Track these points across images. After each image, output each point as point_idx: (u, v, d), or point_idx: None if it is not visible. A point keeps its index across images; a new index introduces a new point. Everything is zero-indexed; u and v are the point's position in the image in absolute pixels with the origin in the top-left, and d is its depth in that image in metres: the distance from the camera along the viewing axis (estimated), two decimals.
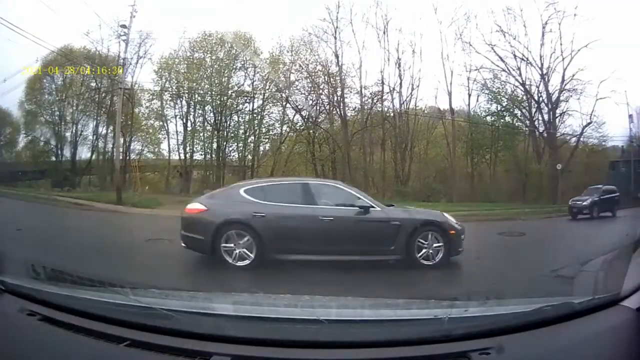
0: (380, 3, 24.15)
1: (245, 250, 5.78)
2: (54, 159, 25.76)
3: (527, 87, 23.12)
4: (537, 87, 22.94)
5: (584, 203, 15.56)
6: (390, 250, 5.95)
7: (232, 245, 5.80)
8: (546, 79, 22.42)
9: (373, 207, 6.17)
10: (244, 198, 6.17)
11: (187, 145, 25.52)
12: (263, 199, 6.15)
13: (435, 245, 6.03)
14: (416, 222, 6.17)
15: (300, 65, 24.32)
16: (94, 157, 25.56)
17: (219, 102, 24.65)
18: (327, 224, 5.89)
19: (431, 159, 25.25)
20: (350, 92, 24.68)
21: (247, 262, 5.73)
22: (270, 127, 25.58)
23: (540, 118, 23.25)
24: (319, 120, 25.21)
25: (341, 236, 5.92)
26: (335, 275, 5.11)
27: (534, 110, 23.34)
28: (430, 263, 5.97)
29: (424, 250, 5.99)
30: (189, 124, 25.54)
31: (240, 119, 25.32)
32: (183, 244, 6.24)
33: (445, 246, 6.02)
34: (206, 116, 25.39)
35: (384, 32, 24.12)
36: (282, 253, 5.73)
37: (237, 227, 5.87)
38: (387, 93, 24.56)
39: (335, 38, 24.07)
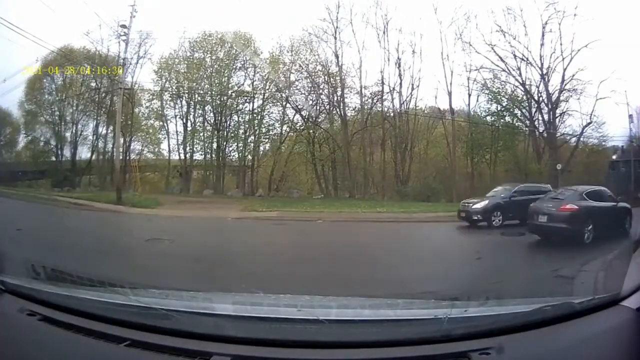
0: (380, 3, 24.14)
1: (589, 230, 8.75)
2: (54, 159, 25.75)
3: (527, 87, 23.10)
4: (537, 87, 22.93)
5: (475, 206, 12.15)
6: (623, 227, 9.33)
7: (584, 231, 8.67)
8: (546, 79, 22.41)
9: (617, 202, 10.10)
10: (586, 199, 9.43)
11: (187, 145, 25.53)
12: (594, 199, 9.53)
13: (627, 221, 9.68)
14: (627, 209, 9.98)
15: (300, 65, 24.33)
16: (94, 157, 25.57)
17: (219, 102, 24.65)
18: (609, 213, 9.48)
19: (431, 159, 25.22)
20: (350, 92, 24.71)
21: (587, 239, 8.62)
22: (270, 127, 25.59)
23: (540, 118, 23.24)
24: (319, 120, 25.21)
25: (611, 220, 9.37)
26: None
27: (534, 110, 23.33)
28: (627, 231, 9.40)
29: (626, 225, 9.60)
30: (189, 124, 25.56)
31: (240, 119, 25.32)
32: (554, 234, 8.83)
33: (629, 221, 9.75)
34: (206, 116, 25.41)
35: (384, 32, 24.12)
36: (596, 231, 8.64)
37: (590, 219, 8.81)
38: (387, 93, 24.57)
39: (335, 38, 24.10)
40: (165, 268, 6.03)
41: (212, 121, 25.18)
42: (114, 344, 1.65)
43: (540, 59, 22.22)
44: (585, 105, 21.89)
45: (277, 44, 24.33)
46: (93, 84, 25.12)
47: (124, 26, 19.09)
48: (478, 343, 1.57)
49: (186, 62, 24.97)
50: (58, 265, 2.97)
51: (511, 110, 24.06)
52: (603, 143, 22.97)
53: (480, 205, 12.20)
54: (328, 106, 24.98)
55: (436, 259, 7.55)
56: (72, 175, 24.46)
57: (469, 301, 2.42)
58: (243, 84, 25.11)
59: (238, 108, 25.10)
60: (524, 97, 23.43)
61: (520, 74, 22.92)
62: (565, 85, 21.92)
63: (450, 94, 23.87)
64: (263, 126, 25.24)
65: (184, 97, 25.38)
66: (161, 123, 25.77)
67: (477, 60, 23.21)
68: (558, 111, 22.57)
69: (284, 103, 25.06)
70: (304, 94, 24.85)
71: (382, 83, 24.29)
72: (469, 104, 24.28)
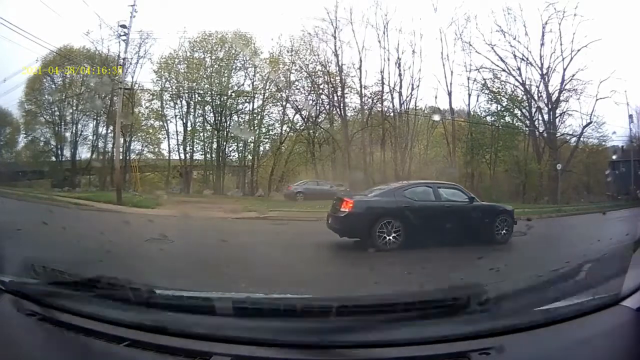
0: (380, 3, 24.20)
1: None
2: (54, 159, 25.75)
3: (527, 87, 23.18)
4: (537, 87, 23.01)
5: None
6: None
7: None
8: (546, 79, 22.49)
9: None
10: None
11: (187, 145, 25.53)
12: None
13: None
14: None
15: (300, 65, 24.37)
16: (94, 157, 25.56)
17: (219, 102, 24.64)
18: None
19: (431, 159, 25.22)
20: (350, 92, 24.74)
21: None
22: (270, 127, 25.59)
23: (540, 118, 23.32)
24: (319, 120, 25.22)
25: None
26: None
27: (534, 110, 23.38)
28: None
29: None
30: (189, 124, 25.56)
31: (240, 119, 25.32)
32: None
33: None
34: (206, 116, 25.40)
35: (384, 32, 24.17)
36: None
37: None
38: (387, 93, 24.61)
39: (335, 38, 24.15)
40: (165, 268, 6.02)
41: (212, 121, 25.19)
42: (114, 344, 1.65)
43: (540, 59, 22.34)
44: (585, 105, 22.02)
45: (277, 44, 24.39)
46: (93, 84, 25.12)
47: (124, 26, 19.12)
48: (478, 343, 1.57)
49: (186, 62, 24.98)
50: (58, 265, 2.96)
51: (511, 110, 24.09)
52: (603, 143, 23.04)
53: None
54: (328, 106, 25.04)
55: (436, 259, 7.53)
56: (72, 175, 24.44)
57: (469, 301, 2.41)
58: (243, 84, 25.15)
59: (238, 108, 25.12)
60: (524, 97, 23.49)
61: (520, 74, 23.03)
62: (565, 85, 22.03)
63: (450, 94, 23.98)
64: (263, 126, 25.27)
65: (184, 97, 25.40)
66: (161, 123, 25.79)
67: (477, 60, 23.34)
68: (558, 111, 22.67)
69: (284, 103, 25.10)
70: (304, 94, 24.92)
71: (382, 83, 24.37)
72: (469, 104, 24.38)
